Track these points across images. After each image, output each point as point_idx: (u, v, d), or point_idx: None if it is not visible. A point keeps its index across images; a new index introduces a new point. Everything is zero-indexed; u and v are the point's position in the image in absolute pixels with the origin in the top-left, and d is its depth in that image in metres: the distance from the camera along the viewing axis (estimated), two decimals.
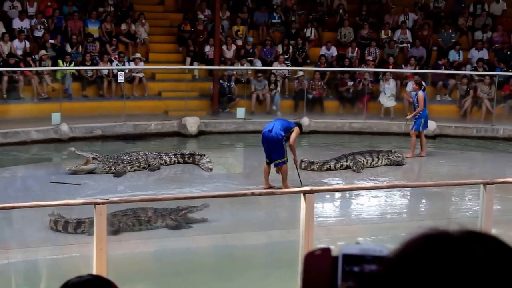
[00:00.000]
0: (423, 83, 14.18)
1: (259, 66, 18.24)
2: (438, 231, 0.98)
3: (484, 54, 19.04)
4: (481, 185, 7.19)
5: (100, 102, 16.46)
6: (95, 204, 5.89)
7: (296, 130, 10.59)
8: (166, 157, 12.50)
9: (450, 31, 19.90)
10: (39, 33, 17.55)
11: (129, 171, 11.82)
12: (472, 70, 18.37)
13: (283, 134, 10.45)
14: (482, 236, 0.99)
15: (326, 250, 1.14)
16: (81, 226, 8.54)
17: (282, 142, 10.47)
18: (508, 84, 17.61)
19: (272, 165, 10.69)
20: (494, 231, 7.37)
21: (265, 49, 18.92)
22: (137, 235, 8.73)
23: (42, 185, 10.90)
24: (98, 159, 11.73)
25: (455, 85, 18.06)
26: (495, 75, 17.62)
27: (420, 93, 13.55)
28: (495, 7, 20.80)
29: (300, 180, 10.73)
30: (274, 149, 10.51)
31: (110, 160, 11.82)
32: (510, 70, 18.43)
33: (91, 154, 11.85)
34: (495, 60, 19.11)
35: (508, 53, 19.26)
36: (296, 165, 10.99)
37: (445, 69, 18.59)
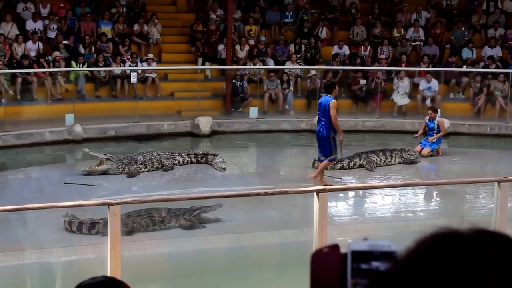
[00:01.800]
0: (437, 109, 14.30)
1: (271, 65, 18.23)
2: (449, 230, 0.98)
3: (498, 51, 18.93)
4: (495, 183, 7.14)
5: (113, 103, 16.50)
6: (108, 204, 5.91)
7: (332, 105, 10.60)
8: (179, 157, 12.52)
9: (463, 28, 19.79)
10: (52, 34, 17.64)
11: (142, 172, 11.86)
12: (484, 68, 18.25)
13: (329, 130, 10.62)
14: (493, 235, 0.98)
15: (334, 247, 1.12)
16: (95, 227, 8.58)
17: (328, 139, 10.69)
18: None
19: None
20: (508, 229, 7.32)
21: (277, 47, 18.90)
22: (151, 235, 8.75)
23: (56, 186, 10.95)
24: (112, 159, 11.77)
25: (468, 83, 17.97)
26: (508, 72, 17.49)
27: (440, 119, 13.81)
28: (508, 4, 20.68)
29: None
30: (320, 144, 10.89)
31: (124, 161, 11.85)
32: None
33: (105, 155, 11.89)
34: (509, 57, 18.98)
35: None
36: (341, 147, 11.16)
37: (457, 66, 18.48)
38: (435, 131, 13.68)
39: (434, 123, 13.73)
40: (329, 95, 10.88)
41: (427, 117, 13.87)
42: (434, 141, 13.64)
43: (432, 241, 0.97)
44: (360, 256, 1.08)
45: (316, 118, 11.28)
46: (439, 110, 14.61)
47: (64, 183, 11.10)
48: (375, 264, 1.06)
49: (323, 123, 10.78)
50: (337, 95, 11.07)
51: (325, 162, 10.95)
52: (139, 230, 8.75)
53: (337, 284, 1.08)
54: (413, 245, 0.99)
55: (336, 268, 1.09)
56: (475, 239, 0.95)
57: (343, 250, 1.11)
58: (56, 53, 16.84)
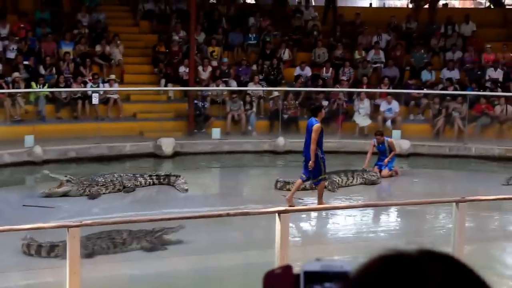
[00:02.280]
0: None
1: (234, 86, 18.31)
2: (396, 252, 0.99)
3: (456, 74, 19.34)
4: (454, 203, 7.27)
5: (74, 124, 16.37)
6: (68, 227, 5.84)
7: (314, 129, 10.65)
8: (141, 178, 12.49)
9: (422, 51, 20.20)
10: (11, 55, 17.44)
11: (103, 193, 11.77)
12: (443, 89, 18.62)
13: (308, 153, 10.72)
14: (439, 256, 1.00)
15: (287, 268, 1.12)
16: (54, 250, 8.45)
17: (317, 160, 10.73)
18: (479, 103, 17.86)
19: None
20: (466, 248, 7.44)
21: (240, 69, 19.00)
22: (112, 257, 8.65)
23: (15, 209, 10.77)
24: (72, 181, 11.64)
25: (427, 105, 18.27)
26: (466, 94, 17.87)
27: (389, 139, 14.34)
28: (465, 28, 21.19)
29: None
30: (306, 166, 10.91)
31: (85, 183, 11.75)
32: (480, 90, 18.70)
33: (65, 176, 11.76)
34: (466, 79, 19.41)
35: (479, 72, 19.57)
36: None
37: (416, 88, 18.81)
38: (388, 152, 14.00)
39: (385, 145, 14.07)
40: (315, 118, 10.90)
41: (374, 141, 14.20)
42: (390, 160, 13.86)
43: (379, 262, 0.98)
44: (313, 276, 1.07)
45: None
46: (399, 131, 14.85)
47: (23, 205, 10.95)
48: (327, 285, 1.06)
49: (308, 144, 10.86)
50: (323, 117, 11.25)
51: (321, 183, 11.03)
52: (100, 253, 8.65)
53: None
54: (361, 267, 1.00)
55: None
56: (421, 261, 0.97)
57: (296, 270, 1.11)
58: (16, 74, 16.64)
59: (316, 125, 10.69)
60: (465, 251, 7.36)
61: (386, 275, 0.96)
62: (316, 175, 10.89)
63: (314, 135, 10.64)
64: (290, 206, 10.28)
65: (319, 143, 10.77)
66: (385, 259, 0.99)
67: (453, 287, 0.95)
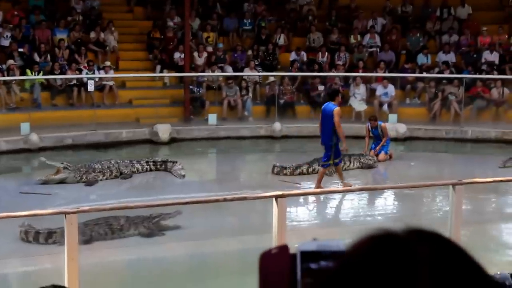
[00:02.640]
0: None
1: (230, 72, 18.23)
2: (383, 232, 1.00)
3: (452, 57, 19.29)
4: (450, 186, 7.28)
5: (70, 111, 16.31)
6: (65, 213, 5.84)
7: (335, 112, 10.75)
8: (138, 164, 12.49)
9: (418, 35, 20.12)
10: (6, 42, 17.35)
11: (101, 180, 11.78)
12: (439, 73, 18.59)
13: (330, 136, 10.86)
14: (427, 235, 1.00)
15: (283, 248, 1.11)
16: (52, 237, 8.46)
17: (330, 146, 10.89)
18: (475, 86, 17.85)
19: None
20: (463, 230, 7.48)
21: (236, 54, 18.93)
22: (110, 243, 8.67)
23: (13, 196, 10.78)
24: (69, 168, 11.64)
25: (423, 88, 18.25)
26: (462, 78, 17.85)
27: (382, 124, 14.31)
28: (461, 11, 21.10)
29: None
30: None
31: (81, 169, 11.75)
32: (477, 73, 18.68)
33: (62, 163, 11.75)
34: (463, 62, 19.37)
35: (475, 55, 19.53)
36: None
37: (412, 72, 18.78)
38: (381, 137, 14.11)
39: (378, 130, 14.15)
40: (332, 102, 10.97)
41: (369, 125, 14.35)
42: (385, 144, 13.89)
43: (366, 243, 0.99)
44: (309, 256, 1.08)
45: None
46: (396, 115, 14.84)
47: (20, 192, 10.94)
48: (324, 263, 1.07)
49: (325, 130, 10.91)
50: (341, 102, 11.43)
51: (321, 169, 11.22)
52: (98, 239, 8.67)
53: (286, 284, 1.08)
54: (349, 247, 1.01)
55: (285, 269, 1.08)
56: (408, 240, 0.98)
57: (292, 251, 1.11)
58: (10, 61, 16.56)
59: (337, 108, 10.85)
60: (462, 233, 7.39)
61: (373, 255, 0.97)
62: (324, 159, 11.04)
63: (337, 118, 10.81)
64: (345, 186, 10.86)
65: (331, 128, 10.78)
66: (373, 239, 0.99)
67: (441, 265, 0.95)
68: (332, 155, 10.96)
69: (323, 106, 11.36)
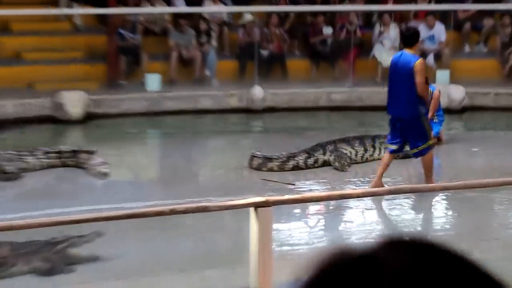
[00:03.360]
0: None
1: (181, 7, 18.23)
2: (344, 249, 1.29)
3: None
4: None
5: None
6: None
7: (417, 68, 10.77)
8: (32, 158, 12.61)
9: None
10: None
11: None
12: None
13: (416, 105, 10.99)
14: (402, 245, 1.29)
15: None
16: None
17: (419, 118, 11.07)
18: None
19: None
20: None
21: None
22: None
23: None
24: None
25: (493, 28, 18.41)
26: None
27: (436, 90, 14.16)
28: None
29: None
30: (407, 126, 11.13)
31: None
32: None
33: None
34: None
35: None
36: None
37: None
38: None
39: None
40: (410, 50, 11.04)
41: None
42: (434, 120, 13.80)
43: (327, 265, 1.29)
44: None
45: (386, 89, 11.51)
46: (447, 71, 14.78)
47: None
48: None
49: (402, 97, 10.94)
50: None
51: (429, 154, 11.32)
52: None
53: None
54: (316, 263, 1.29)
55: None
56: (374, 255, 1.25)
57: None
58: None
59: (419, 61, 10.96)
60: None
61: (333, 278, 1.26)
62: (423, 139, 11.19)
63: (419, 79, 10.88)
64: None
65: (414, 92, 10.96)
66: (333, 258, 1.29)
67: (413, 278, 1.21)
68: (428, 130, 11.24)
69: (392, 58, 11.47)
